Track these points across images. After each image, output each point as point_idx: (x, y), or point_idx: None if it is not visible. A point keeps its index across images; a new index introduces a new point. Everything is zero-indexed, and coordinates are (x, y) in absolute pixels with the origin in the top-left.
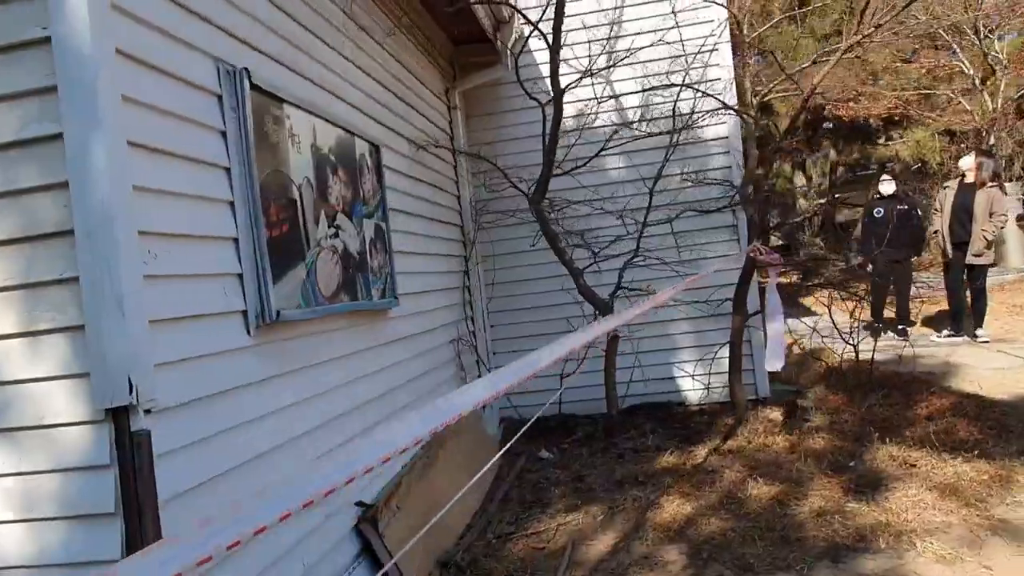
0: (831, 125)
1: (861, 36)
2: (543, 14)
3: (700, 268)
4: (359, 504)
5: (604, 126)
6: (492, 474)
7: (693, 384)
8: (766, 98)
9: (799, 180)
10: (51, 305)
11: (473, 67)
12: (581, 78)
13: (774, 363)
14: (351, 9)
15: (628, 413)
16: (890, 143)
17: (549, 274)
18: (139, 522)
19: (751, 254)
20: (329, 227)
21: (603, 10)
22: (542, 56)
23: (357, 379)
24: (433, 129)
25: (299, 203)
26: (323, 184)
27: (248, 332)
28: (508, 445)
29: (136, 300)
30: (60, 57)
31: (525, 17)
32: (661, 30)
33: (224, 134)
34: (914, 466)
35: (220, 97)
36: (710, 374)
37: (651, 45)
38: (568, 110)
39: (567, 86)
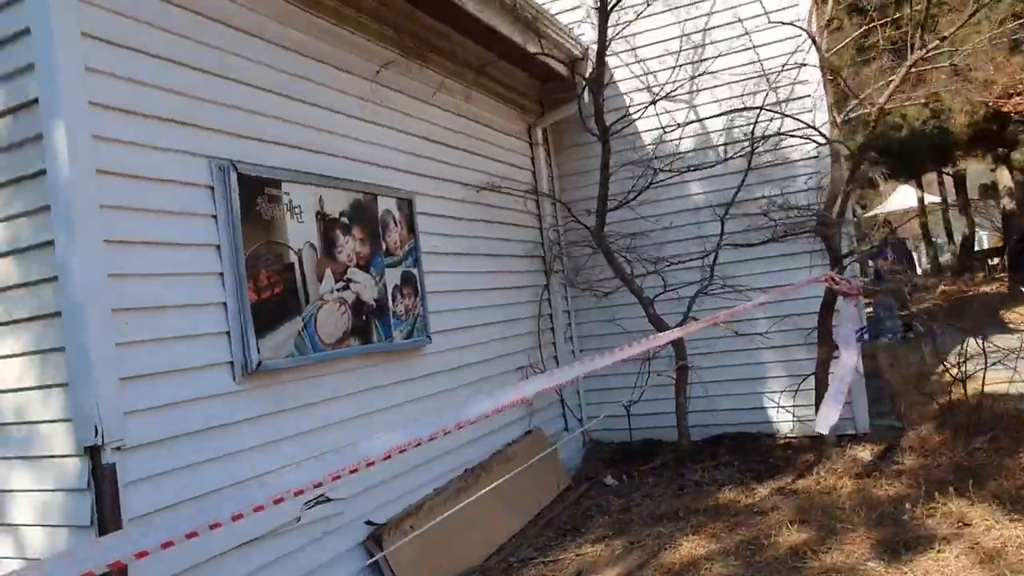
0: None
1: (926, 51)
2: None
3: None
4: (368, 523)
5: (685, 152)
6: (550, 498)
7: (783, 415)
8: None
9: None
10: (54, 367)
11: (559, 102)
12: (645, 108)
13: (827, 417)
14: (376, 76)
15: (712, 442)
16: None
17: (634, 300)
18: (106, 533)
19: (826, 283)
20: (337, 281)
21: (686, 35)
22: (626, 86)
23: (381, 411)
24: (504, 168)
25: (298, 266)
26: (330, 244)
27: (234, 379)
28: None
29: (105, 363)
30: (51, 184)
31: (572, 70)
32: (743, 50)
33: (215, 217)
34: (968, 525)
35: (212, 188)
36: (800, 405)
37: (718, 59)
38: (646, 138)
39: (613, 123)
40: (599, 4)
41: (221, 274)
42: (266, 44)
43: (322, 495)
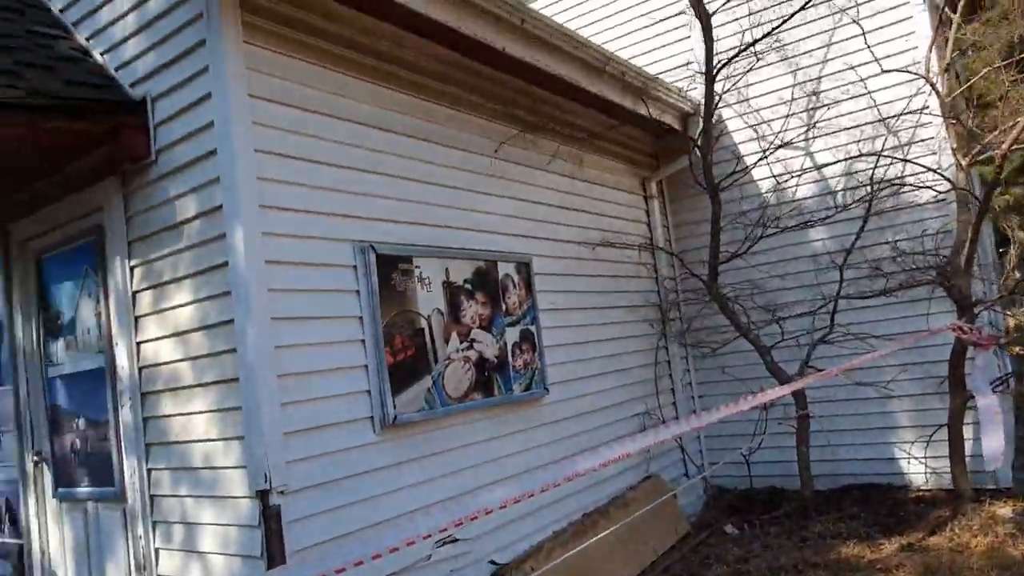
0: None
1: None
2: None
3: (889, 346)
4: (492, 563)
5: (800, 199)
6: (668, 544)
7: (916, 467)
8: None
9: None
10: (232, 423)
11: (674, 154)
12: (757, 162)
13: (993, 458)
14: (495, 153)
15: (838, 493)
16: None
17: (747, 348)
18: (273, 564)
19: (954, 332)
20: (462, 342)
21: (798, 84)
22: (739, 136)
23: (503, 457)
24: (619, 223)
25: (427, 330)
26: (456, 309)
27: (374, 432)
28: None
29: (272, 420)
30: (231, 274)
31: (684, 126)
32: (860, 95)
33: (358, 292)
34: None
35: (355, 267)
36: (935, 456)
37: (833, 105)
38: (762, 186)
39: (724, 177)
40: (705, 70)
41: (363, 341)
42: (393, 135)
43: (450, 535)
